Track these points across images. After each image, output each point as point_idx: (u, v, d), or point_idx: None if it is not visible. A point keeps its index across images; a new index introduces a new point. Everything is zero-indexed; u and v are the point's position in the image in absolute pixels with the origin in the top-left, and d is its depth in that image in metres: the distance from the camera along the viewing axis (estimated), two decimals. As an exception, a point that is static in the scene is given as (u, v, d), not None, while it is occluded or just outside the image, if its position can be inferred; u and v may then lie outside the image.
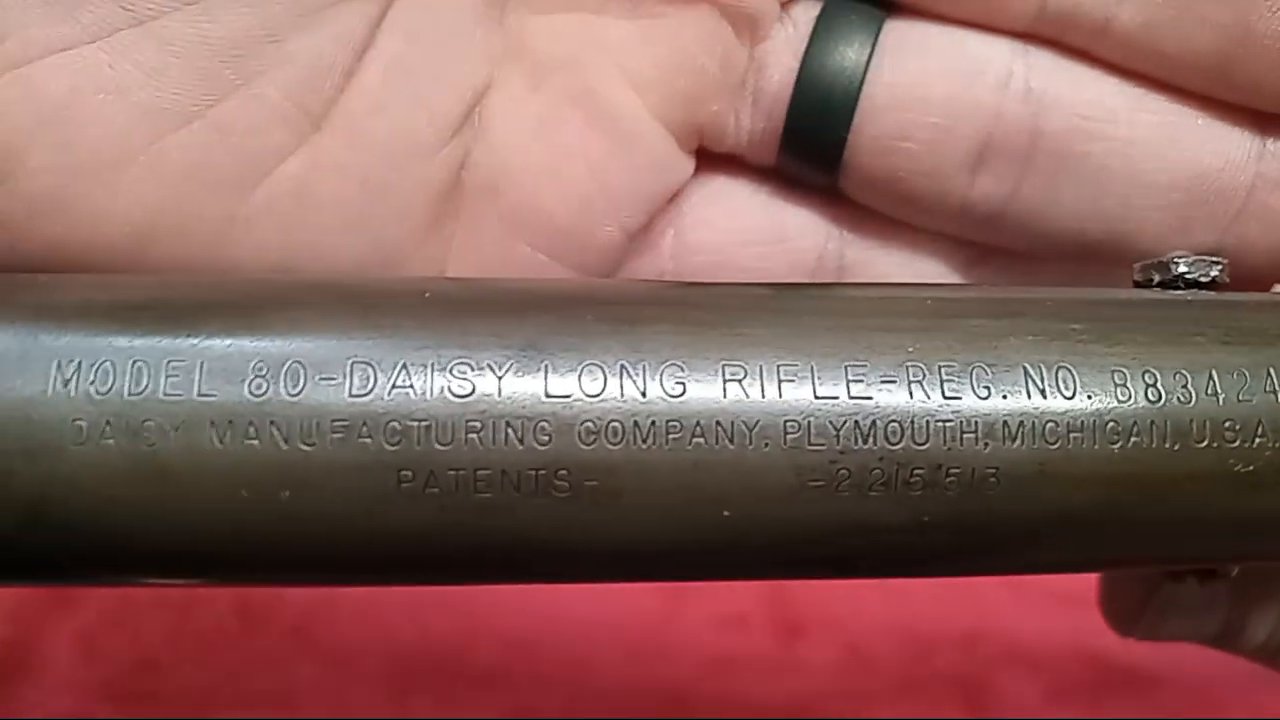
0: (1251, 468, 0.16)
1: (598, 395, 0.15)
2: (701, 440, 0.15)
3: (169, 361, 0.15)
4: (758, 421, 0.15)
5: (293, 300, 0.16)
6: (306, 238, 0.18)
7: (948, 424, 0.15)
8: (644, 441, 0.15)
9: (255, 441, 0.15)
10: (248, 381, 0.15)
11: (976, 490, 0.16)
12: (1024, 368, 0.16)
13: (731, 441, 0.15)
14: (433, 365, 0.15)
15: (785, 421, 0.15)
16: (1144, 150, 0.20)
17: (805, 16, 0.20)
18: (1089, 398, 0.16)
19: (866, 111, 0.20)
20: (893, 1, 0.20)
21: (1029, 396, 0.16)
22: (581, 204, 0.20)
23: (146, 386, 0.15)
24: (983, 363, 0.16)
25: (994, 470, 0.15)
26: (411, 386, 0.15)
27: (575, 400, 0.15)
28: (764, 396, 0.15)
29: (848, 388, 0.15)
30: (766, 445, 0.15)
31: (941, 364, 0.16)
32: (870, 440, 0.15)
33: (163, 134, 0.17)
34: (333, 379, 0.15)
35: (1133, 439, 0.16)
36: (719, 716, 0.41)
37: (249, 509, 0.15)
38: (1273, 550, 0.18)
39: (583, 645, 0.42)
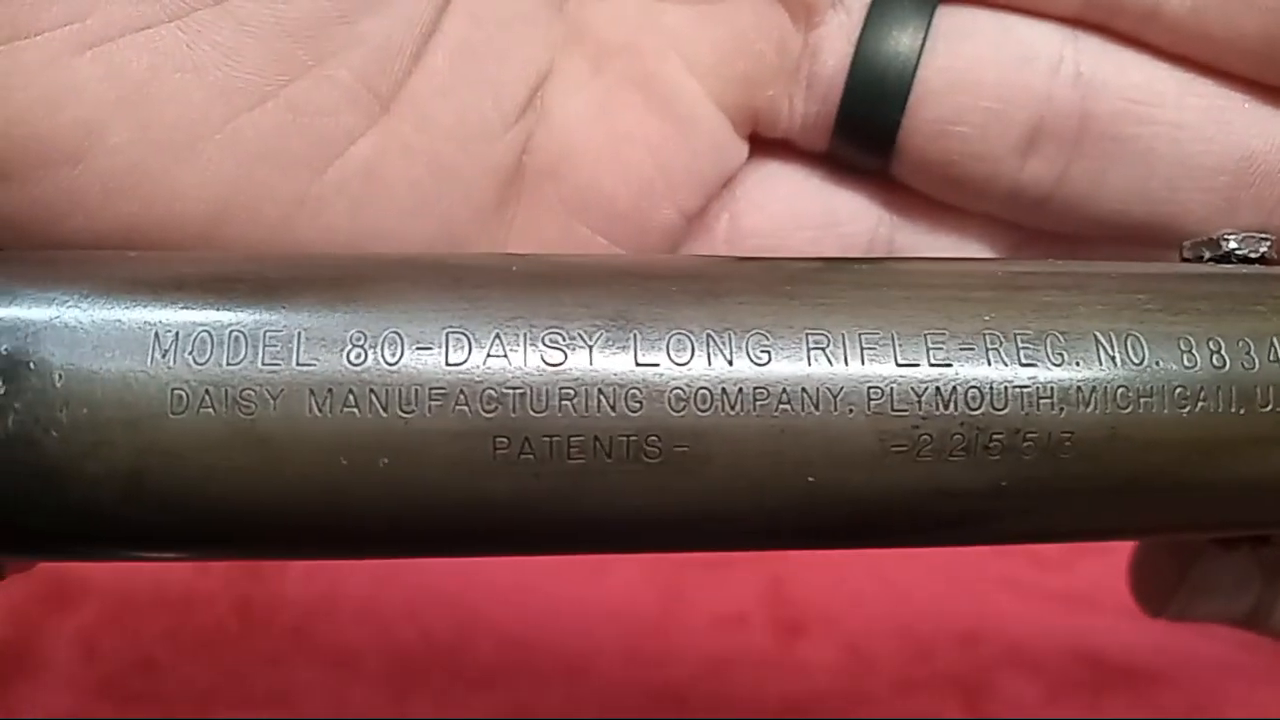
0: None
1: (686, 364, 0.15)
2: (788, 407, 0.15)
3: (266, 331, 0.15)
4: (842, 388, 0.16)
5: (384, 273, 0.16)
6: (374, 219, 0.18)
7: (1025, 390, 0.16)
8: (731, 408, 0.15)
9: (354, 410, 0.15)
10: (346, 351, 0.15)
11: (1052, 455, 0.16)
12: (1095, 336, 0.16)
13: (817, 408, 0.15)
14: (525, 335, 0.15)
15: (869, 388, 0.16)
16: (1191, 133, 0.20)
17: (859, 2, 0.20)
18: (1157, 364, 0.16)
19: (921, 95, 0.20)
20: None
21: (1100, 363, 0.16)
22: (641, 187, 0.20)
23: (245, 356, 0.15)
24: (1056, 331, 0.16)
25: (1069, 435, 0.16)
26: (506, 356, 0.15)
27: (664, 369, 0.15)
28: (847, 365, 0.16)
29: (928, 355, 0.16)
30: (851, 411, 0.15)
31: (1017, 332, 0.16)
32: (951, 406, 0.16)
33: (238, 113, 0.17)
34: (429, 348, 0.15)
35: (1200, 403, 0.16)
36: (718, 716, 0.41)
37: (348, 477, 0.15)
38: None
39: (582, 645, 0.42)
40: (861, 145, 0.21)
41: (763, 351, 0.16)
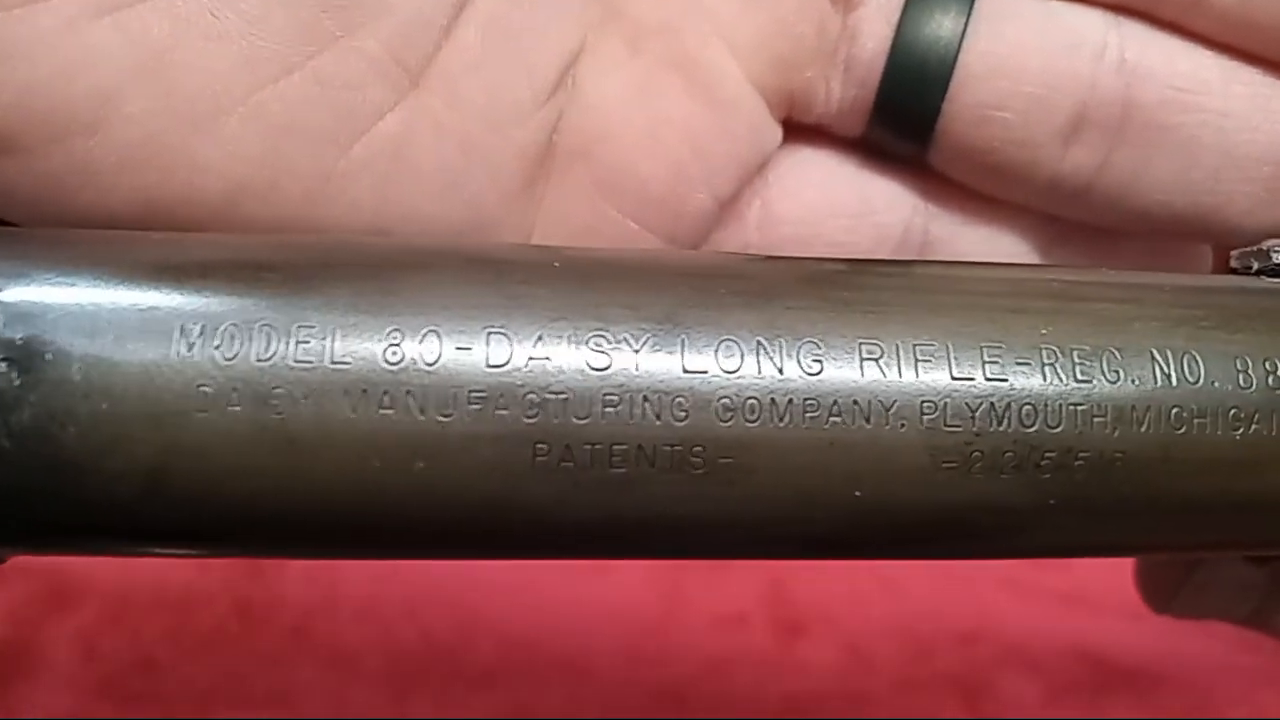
0: None
1: (735, 371, 0.15)
2: (839, 419, 0.15)
3: (298, 326, 0.14)
4: (895, 401, 0.15)
5: (422, 263, 0.15)
6: (400, 198, 0.18)
7: (1079, 407, 0.16)
8: (780, 420, 0.15)
9: (390, 411, 0.14)
10: (383, 349, 0.14)
11: (1103, 474, 0.16)
12: (1151, 353, 0.16)
13: (868, 421, 0.15)
14: (569, 337, 0.15)
15: (922, 402, 0.15)
16: (1236, 122, 0.20)
17: None
18: (1213, 384, 0.16)
19: (962, 80, 0.20)
20: None
21: (1156, 382, 0.16)
22: (676, 170, 0.19)
23: (275, 352, 0.14)
24: (1113, 347, 0.16)
25: (1121, 454, 0.16)
26: (549, 358, 0.15)
27: (712, 376, 0.15)
28: (901, 376, 0.15)
29: (984, 369, 0.15)
30: (903, 426, 0.15)
31: (1074, 347, 0.16)
32: (1005, 423, 0.15)
33: (262, 84, 0.16)
34: (469, 348, 0.14)
35: (1254, 425, 0.16)
36: (718, 716, 0.41)
37: (381, 480, 0.14)
38: None
39: (582, 645, 0.42)
40: (899, 131, 0.20)
41: (814, 361, 0.15)
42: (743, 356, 0.15)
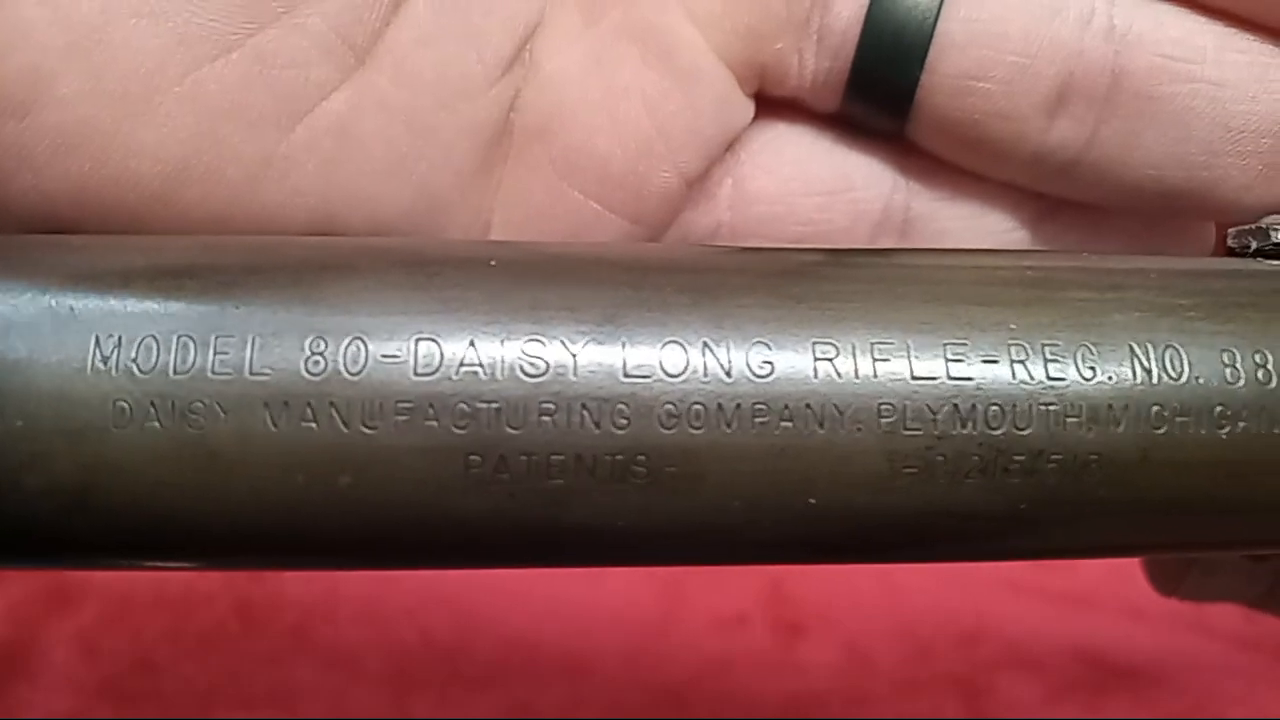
0: None
1: (679, 375, 0.14)
2: (790, 424, 0.14)
3: (218, 336, 0.14)
4: (850, 405, 0.14)
5: (349, 266, 0.15)
6: (348, 181, 0.17)
7: (1051, 407, 0.15)
8: (728, 426, 0.14)
9: (313, 424, 0.14)
10: (304, 359, 0.14)
11: (1076, 477, 0.15)
12: (1130, 346, 0.15)
13: (821, 426, 0.14)
14: (503, 341, 0.14)
15: (880, 404, 0.14)
16: (1232, 92, 0.19)
17: None
18: (1197, 379, 0.15)
19: (941, 49, 0.19)
20: None
21: (1135, 378, 0.15)
22: (638, 147, 0.18)
23: (194, 363, 0.14)
24: (1088, 341, 0.15)
25: (1096, 456, 0.15)
26: (481, 365, 0.14)
27: (656, 380, 0.14)
28: (857, 377, 0.14)
29: (947, 368, 0.15)
30: (859, 430, 0.14)
31: (1046, 343, 0.15)
32: (969, 425, 0.14)
33: (199, 64, 0.16)
34: (396, 356, 0.14)
35: (1240, 424, 0.15)
36: (719, 716, 0.41)
37: (305, 496, 0.14)
38: None
39: (582, 645, 0.42)
40: (877, 104, 0.19)
41: (764, 363, 0.14)
42: (688, 359, 0.14)
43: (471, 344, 0.14)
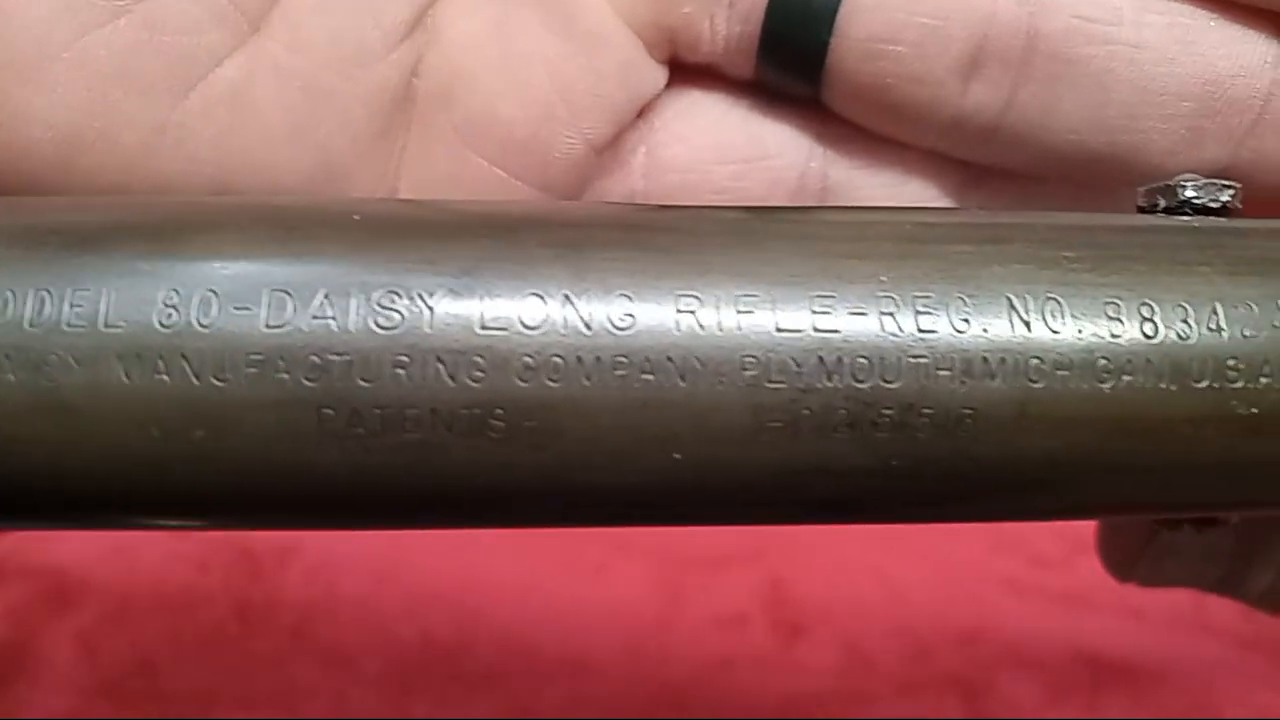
0: (1255, 410, 0.15)
1: (537, 327, 0.14)
2: (650, 377, 0.14)
3: (74, 290, 0.14)
4: (713, 357, 0.14)
5: (211, 223, 0.14)
6: (244, 148, 0.17)
7: (921, 360, 0.14)
8: (587, 378, 0.14)
9: (165, 377, 0.13)
10: (156, 312, 0.14)
11: (950, 433, 0.14)
12: (1008, 298, 0.15)
13: (683, 379, 0.14)
14: (357, 293, 0.14)
15: (743, 357, 0.14)
16: (1151, 54, 0.18)
17: None
18: (1079, 332, 0.15)
19: (850, 11, 0.18)
20: None
21: (1012, 329, 0.14)
22: (541, 113, 0.18)
23: (49, 317, 0.14)
24: (962, 293, 0.15)
25: (970, 411, 0.14)
26: (333, 317, 0.14)
27: (513, 333, 0.14)
28: (720, 329, 0.14)
29: (813, 320, 0.14)
30: (721, 383, 0.14)
31: (917, 294, 0.14)
32: (836, 378, 0.14)
33: (87, 29, 0.16)
34: (247, 309, 0.14)
35: (1125, 377, 0.15)
36: (719, 716, 0.41)
37: (160, 449, 0.14)
38: (1277, 499, 0.16)
39: (582, 645, 0.42)
40: (789, 69, 0.19)
41: (625, 315, 0.14)
42: (547, 312, 0.14)
43: (325, 296, 0.14)
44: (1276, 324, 0.15)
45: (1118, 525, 0.22)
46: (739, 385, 0.14)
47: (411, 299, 0.14)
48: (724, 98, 0.20)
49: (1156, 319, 0.15)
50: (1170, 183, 0.17)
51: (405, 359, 0.14)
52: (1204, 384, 0.15)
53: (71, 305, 0.14)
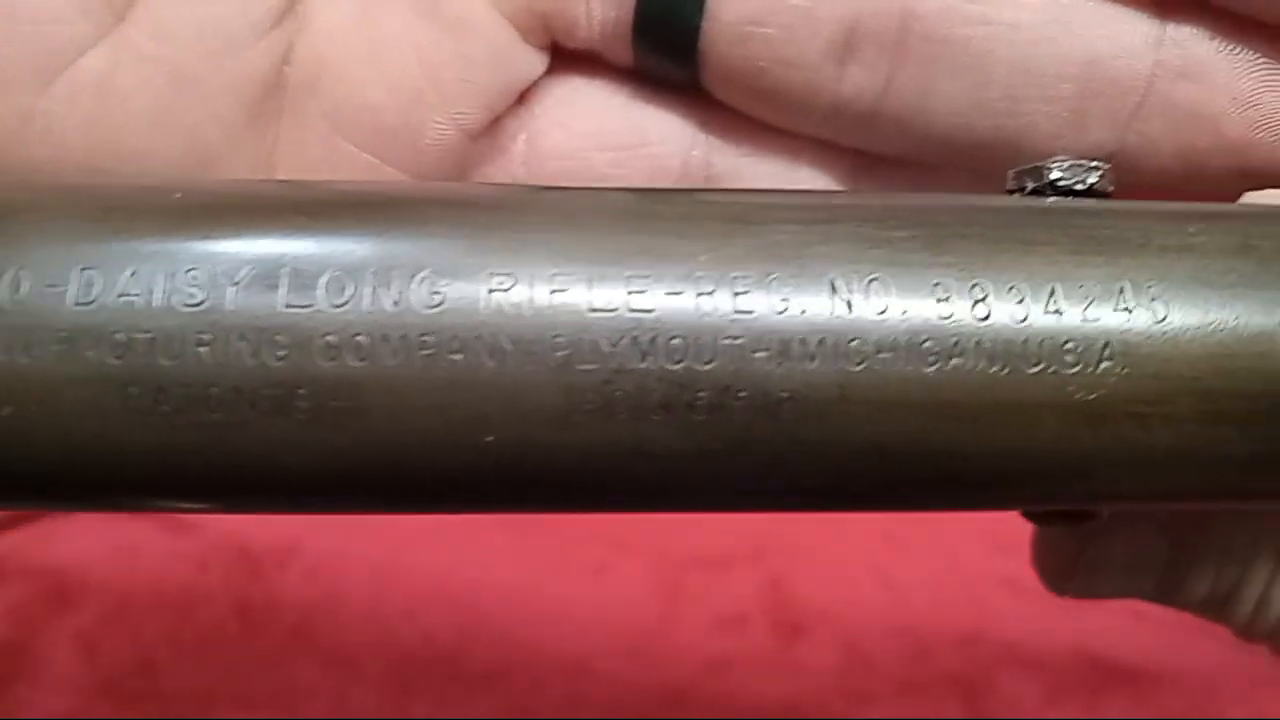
0: (1094, 396, 0.14)
1: (342, 306, 0.14)
2: (458, 357, 0.14)
3: None
4: (523, 336, 0.14)
5: (36, 205, 0.14)
6: (113, 136, 0.17)
7: (737, 341, 0.14)
8: (393, 358, 0.14)
9: None
10: None
11: (769, 416, 0.14)
12: (830, 279, 0.14)
13: (492, 359, 0.14)
14: (165, 272, 0.14)
15: (554, 337, 0.14)
16: (1029, 35, 0.18)
17: None
18: (903, 313, 0.14)
19: None
20: None
21: (832, 310, 0.14)
22: (409, 98, 0.18)
23: None
24: (783, 273, 0.14)
25: (788, 394, 0.14)
26: (138, 295, 0.14)
27: (317, 311, 0.14)
28: (532, 308, 0.14)
29: (628, 299, 0.14)
30: (531, 364, 0.14)
31: (736, 274, 0.14)
32: (649, 359, 0.14)
33: None
34: (56, 286, 0.14)
35: (952, 360, 0.14)
36: (718, 717, 0.41)
37: None
38: (1123, 490, 0.16)
39: (582, 645, 0.42)
40: (664, 54, 0.19)
41: (434, 293, 0.14)
42: (356, 290, 0.14)
43: (132, 274, 0.14)
44: (1120, 306, 0.14)
45: (1051, 537, 0.22)
46: (550, 366, 0.14)
47: (215, 277, 0.14)
48: (605, 84, 0.20)
49: (989, 300, 0.14)
50: (1038, 164, 0.16)
51: (208, 337, 0.14)
52: (1039, 368, 0.14)
53: None
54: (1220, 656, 0.43)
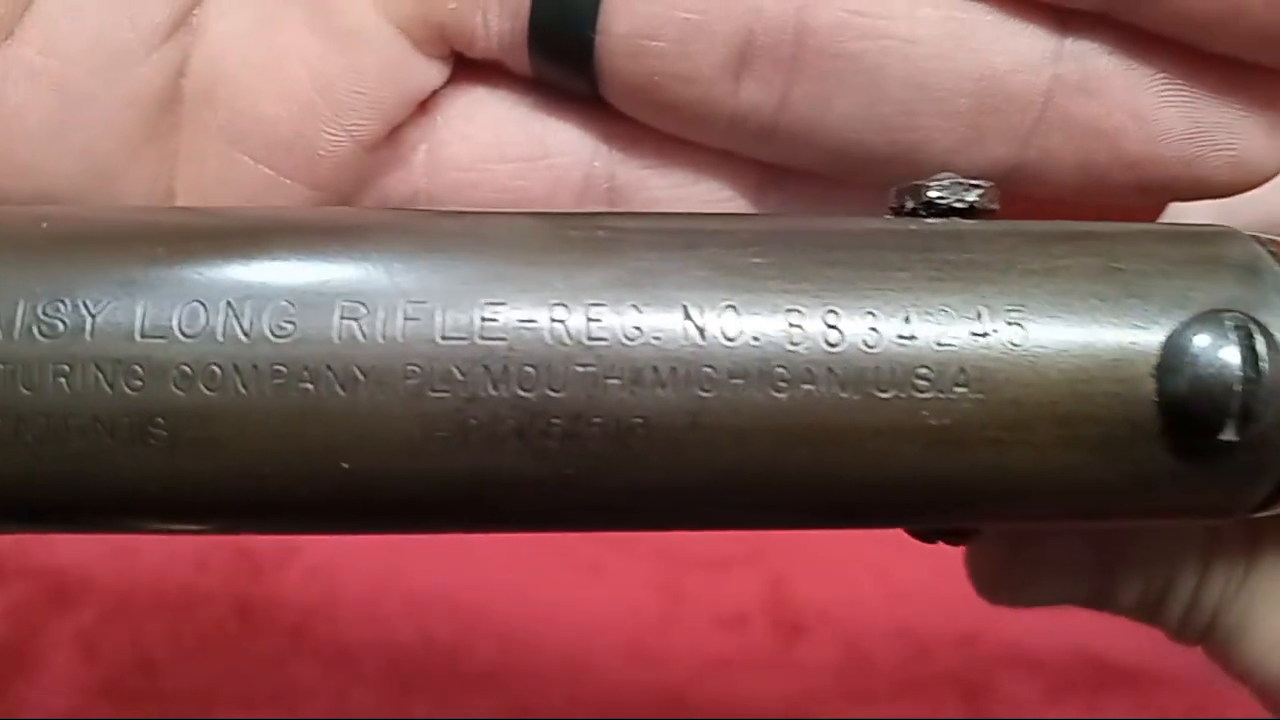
0: (948, 421, 0.14)
1: (195, 335, 0.14)
2: (310, 387, 0.14)
3: None
4: (374, 365, 0.14)
5: None
6: (6, 152, 0.17)
7: (588, 369, 0.14)
8: (244, 387, 0.14)
9: None
10: None
11: (622, 442, 0.14)
12: (684, 306, 0.14)
13: (343, 388, 0.14)
14: (24, 302, 0.14)
15: (406, 365, 0.14)
16: (925, 49, 0.18)
17: None
18: (754, 340, 0.14)
19: (612, 6, 0.18)
20: None
21: (685, 337, 0.14)
22: (302, 110, 0.18)
23: None
24: (637, 300, 0.14)
25: (641, 420, 0.14)
26: None
27: (172, 342, 0.14)
28: (383, 337, 0.14)
29: (480, 328, 0.14)
30: (383, 392, 0.14)
31: (591, 302, 0.14)
32: (501, 386, 0.14)
33: None
34: None
35: (804, 387, 0.14)
36: (718, 717, 0.41)
37: None
38: (984, 513, 0.16)
39: (581, 645, 0.42)
40: (560, 65, 0.18)
41: (286, 322, 0.14)
42: (208, 319, 0.14)
43: None
44: (976, 331, 0.15)
45: (982, 546, 0.22)
46: (401, 394, 0.14)
47: (75, 307, 0.14)
48: (508, 95, 0.20)
49: (841, 326, 0.14)
50: (917, 182, 0.16)
51: (66, 367, 0.14)
52: (889, 394, 0.14)
53: None
54: (1220, 656, 0.43)
